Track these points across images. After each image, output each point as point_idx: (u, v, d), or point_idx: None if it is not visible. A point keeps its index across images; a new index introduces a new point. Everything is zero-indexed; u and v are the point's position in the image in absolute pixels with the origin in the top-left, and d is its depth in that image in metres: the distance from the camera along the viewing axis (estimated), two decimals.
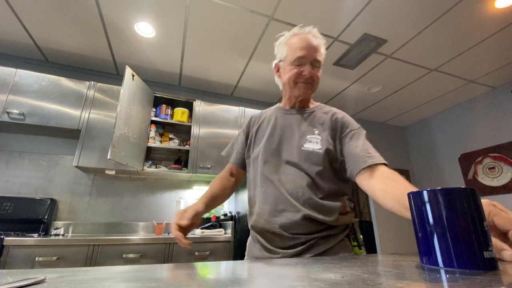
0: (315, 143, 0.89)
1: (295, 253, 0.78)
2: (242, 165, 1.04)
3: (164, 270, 0.37)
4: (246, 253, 0.95)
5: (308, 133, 0.91)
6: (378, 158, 0.78)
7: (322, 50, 0.94)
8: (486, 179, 3.02)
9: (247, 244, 0.96)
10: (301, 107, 0.99)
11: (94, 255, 1.76)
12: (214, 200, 0.94)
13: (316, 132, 0.91)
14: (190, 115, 2.74)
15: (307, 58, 0.90)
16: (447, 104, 3.43)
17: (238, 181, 1.08)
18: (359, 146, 0.83)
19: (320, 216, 0.80)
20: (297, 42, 0.92)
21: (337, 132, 0.91)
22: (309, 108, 1.00)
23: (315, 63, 0.92)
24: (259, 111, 1.12)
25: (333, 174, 0.88)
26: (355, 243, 0.89)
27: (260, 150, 0.93)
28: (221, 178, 1.02)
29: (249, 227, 0.94)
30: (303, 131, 0.92)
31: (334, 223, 0.81)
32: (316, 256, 0.75)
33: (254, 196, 0.93)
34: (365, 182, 0.77)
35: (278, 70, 1.01)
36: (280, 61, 0.99)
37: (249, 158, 1.00)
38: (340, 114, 0.95)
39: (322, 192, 0.85)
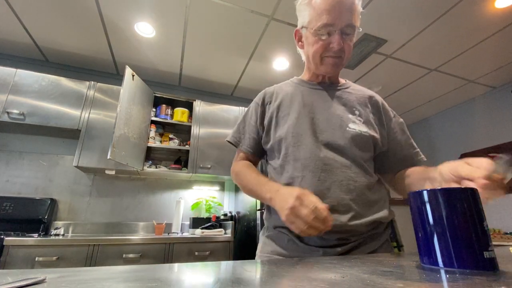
0: (360, 124, 0.74)
1: (341, 251, 0.66)
2: (257, 152, 0.85)
3: (164, 270, 0.37)
4: (260, 249, 0.77)
5: (349, 112, 0.76)
6: (420, 153, 0.79)
7: (358, 8, 0.73)
8: None
9: (263, 240, 0.78)
10: (330, 82, 0.84)
11: (94, 255, 1.76)
12: None
13: (357, 112, 0.76)
14: (190, 115, 2.74)
15: (336, 25, 0.70)
16: (447, 104, 3.43)
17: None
18: (403, 141, 0.78)
19: (374, 216, 0.67)
20: (322, 2, 0.71)
21: (381, 118, 0.79)
22: (340, 83, 0.84)
23: (346, 30, 0.72)
24: None
25: (374, 163, 0.78)
26: (394, 244, 0.74)
27: (288, 130, 0.74)
28: (249, 164, 0.84)
29: (269, 226, 0.77)
30: (342, 110, 0.76)
31: (383, 220, 0.70)
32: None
33: None
34: (400, 176, 0.76)
35: (300, 40, 0.83)
36: (302, 27, 0.79)
37: (268, 142, 0.80)
38: (378, 96, 0.84)
39: (372, 184, 0.72)
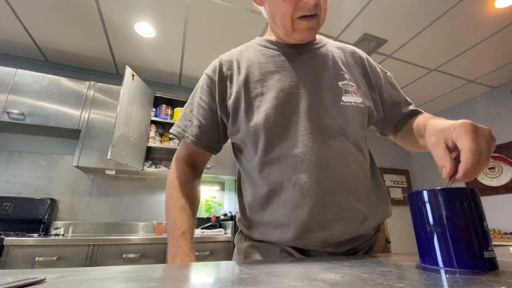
0: (353, 93, 0.59)
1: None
2: (204, 145, 0.64)
3: (164, 270, 0.37)
4: (239, 257, 0.64)
5: (338, 78, 0.60)
6: (414, 106, 0.69)
7: None
8: (486, 179, 3.02)
9: (244, 249, 0.63)
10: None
11: (94, 255, 1.76)
12: (193, 230, 0.62)
13: (347, 76, 0.61)
14: None
15: None
16: (447, 104, 3.43)
17: (202, 172, 0.70)
18: (398, 98, 0.68)
19: (382, 215, 0.58)
20: None
21: (369, 78, 0.66)
22: (316, 40, 0.66)
23: None
24: None
25: (376, 129, 0.69)
26: None
27: (267, 117, 0.55)
28: (184, 184, 0.64)
29: (249, 235, 0.63)
30: (329, 76, 0.60)
31: (388, 216, 0.61)
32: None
33: (265, 197, 0.57)
34: (404, 133, 0.68)
35: None
36: None
37: (237, 133, 0.60)
38: (361, 52, 0.70)
39: (368, 170, 0.60)
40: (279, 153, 0.55)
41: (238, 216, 0.68)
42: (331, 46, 0.67)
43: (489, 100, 3.12)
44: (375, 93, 0.66)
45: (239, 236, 0.68)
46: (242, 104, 0.58)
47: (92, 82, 2.39)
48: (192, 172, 0.67)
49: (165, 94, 2.71)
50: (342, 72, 0.61)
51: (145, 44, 2.38)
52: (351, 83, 0.60)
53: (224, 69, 0.63)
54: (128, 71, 2.22)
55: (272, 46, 0.64)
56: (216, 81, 0.63)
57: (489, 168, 3.01)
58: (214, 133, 0.64)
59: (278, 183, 0.55)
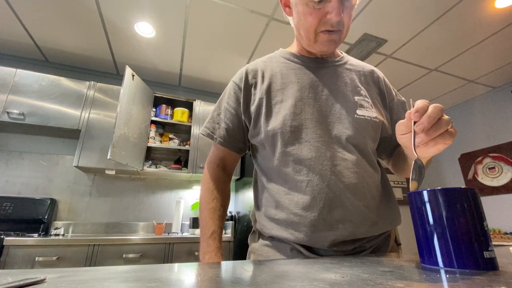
0: (368, 108, 0.63)
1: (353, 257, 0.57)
2: (232, 146, 0.70)
3: (164, 270, 0.37)
4: (253, 256, 0.67)
5: (354, 93, 0.64)
6: None
7: None
8: (486, 179, 3.02)
9: (257, 248, 0.66)
10: (326, 57, 0.70)
11: (94, 255, 1.76)
12: (221, 231, 0.67)
13: (363, 93, 0.65)
14: (190, 115, 2.74)
15: None
16: (447, 104, 3.43)
17: (231, 175, 0.76)
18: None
19: (390, 223, 0.61)
20: None
21: (384, 98, 0.70)
22: (337, 57, 0.72)
23: None
24: None
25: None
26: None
27: (284, 123, 0.60)
28: (216, 186, 0.70)
29: (262, 232, 0.65)
30: (346, 91, 0.65)
31: (398, 223, 0.65)
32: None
33: (279, 196, 0.61)
34: (397, 157, 0.68)
35: (287, 5, 0.66)
36: None
37: (257, 136, 0.65)
38: (379, 71, 0.75)
39: (379, 180, 0.64)
40: (295, 156, 0.59)
41: (252, 212, 0.72)
42: (352, 63, 0.72)
43: (489, 100, 3.11)
44: (387, 112, 0.70)
45: (252, 236, 0.72)
46: (263, 110, 0.64)
47: (92, 82, 2.39)
48: (223, 175, 0.73)
49: (165, 94, 2.71)
50: (359, 88, 0.66)
51: (145, 44, 2.38)
52: (366, 99, 0.65)
53: (250, 77, 0.69)
54: (128, 71, 2.22)
55: (295, 60, 0.69)
56: (242, 88, 0.68)
57: (489, 168, 3.01)
58: (240, 135, 0.70)
59: (293, 184, 0.60)
